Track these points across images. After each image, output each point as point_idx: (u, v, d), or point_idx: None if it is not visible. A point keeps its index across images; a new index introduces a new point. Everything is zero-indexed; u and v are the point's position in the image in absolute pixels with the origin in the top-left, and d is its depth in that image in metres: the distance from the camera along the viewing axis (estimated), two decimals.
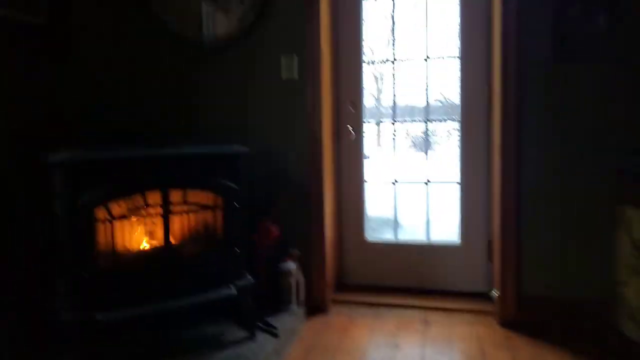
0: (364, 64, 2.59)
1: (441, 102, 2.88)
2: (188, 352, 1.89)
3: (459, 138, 2.54)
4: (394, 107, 2.62)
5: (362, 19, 2.55)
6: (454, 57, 2.50)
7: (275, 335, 2.02)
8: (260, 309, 2.12)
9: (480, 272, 2.55)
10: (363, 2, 2.55)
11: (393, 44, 2.58)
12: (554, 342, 2.07)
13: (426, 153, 2.68)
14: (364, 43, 2.59)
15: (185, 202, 1.93)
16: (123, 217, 1.83)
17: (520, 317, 2.23)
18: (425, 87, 2.57)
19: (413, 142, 2.96)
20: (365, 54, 2.60)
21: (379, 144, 2.67)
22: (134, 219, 1.91)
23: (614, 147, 2.09)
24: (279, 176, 2.40)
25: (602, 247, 2.12)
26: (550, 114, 2.16)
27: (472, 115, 2.49)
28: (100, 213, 1.75)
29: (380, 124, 2.73)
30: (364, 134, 2.64)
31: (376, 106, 2.70)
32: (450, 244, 2.61)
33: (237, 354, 1.87)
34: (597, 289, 2.14)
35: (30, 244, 2.05)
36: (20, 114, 2.04)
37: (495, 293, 2.32)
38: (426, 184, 2.64)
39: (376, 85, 2.75)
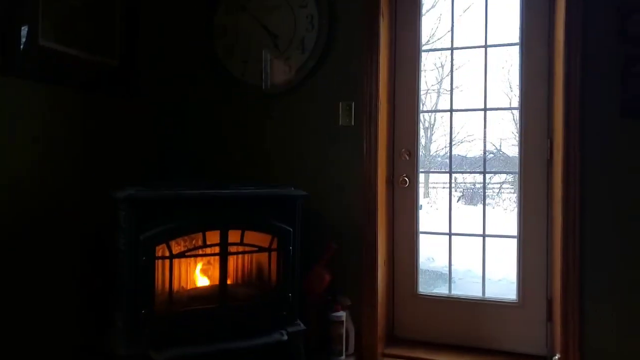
0: (421, 113, 2.60)
1: (493, 153, 2.84)
2: None
3: (517, 191, 2.48)
4: (450, 157, 2.61)
5: (421, 68, 2.60)
6: (510, 108, 2.49)
7: None
8: (309, 357, 2.07)
9: (539, 332, 2.41)
10: (422, 52, 2.60)
11: (451, 94, 2.60)
12: None
13: (484, 205, 2.62)
14: (421, 93, 2.62)
15: (242, 243, 1.95)
16: (182, 255, 1.87)
17: None
18: (482, 137, 2.55)
19: (462, 194, 2.90)
20: (422, 105, 2.63)
21: (427, 195, 2.63)
22: (192, 257, 1.95)
23: None
24: (334, 222, 2.40)
25: None
26: (618, 169, 2.08)
27: (531, 167, 2.43)
28: (161, 250, 1.80)
29: (429, 174, 2.70)
30: (419, 183, 2.62)
31: (424, 155, 2.68)
32: (507, 301, 2.49)
33: None
34: None
35: (97, 279, 2.12)
36: (92, 152, 2.17)
37: (556, 357, 2.17)
38: (482, 237, 2.57)
39: (426, 135, 2.75)
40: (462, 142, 2.65)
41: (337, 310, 2.23)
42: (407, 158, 2.61)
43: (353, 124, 2.40)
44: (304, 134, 2.48)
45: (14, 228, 1.82)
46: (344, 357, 2.24)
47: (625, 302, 2.05)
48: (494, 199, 2.60)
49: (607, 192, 2.08)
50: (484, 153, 2.57)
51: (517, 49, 2.43)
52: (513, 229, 2.50)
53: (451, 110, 2.61)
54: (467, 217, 2.69)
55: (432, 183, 2.74)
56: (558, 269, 2.17)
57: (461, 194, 2.84)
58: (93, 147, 2.17)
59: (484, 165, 2.56)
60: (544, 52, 2.38)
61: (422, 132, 2.65)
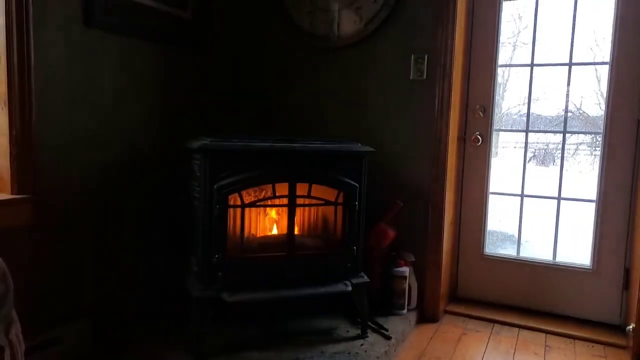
0: (499, 67, 2.46)
1: (572, 112, 2.65)
2: (301, 341, 1.95)
3: (600, 152, 2.31)
4: (527, 115, 2.46)
5: (501, 20, 2.43)
6: (597, 63, 2.28)
7: (387, 337, 2.01)
8: (372, 309, 2.12)
9: (613, 300, 2.31)
10: (503, 2, 2.42)
11: (533, 46, 2.42)
12: None
13: (561, 167, 2.46)
14: (499, 45, 2.46)
15: (309, 196, 1.98)
16: (253, 204, 1.94)
17: None
18: (565, 95, 2.37)
19: (534, 154, 2.75)
20: (499, 57, 2.47)
21: (497, 154, 2.51)
22: (262, 207, 2.01)
23: None
24: (400, 179, 2.38)
25: None
26: None
27: (618, 127, 2.25)
28: (233, 199, 1.87)
29: (501, 132, 2.58)
30: (492, 142, 2.51)
31: (497, 113, 2.55)
32: (579, 267, 2.39)
33: (348, 350, 1.90)
34: None
35: (169, 223, 2.26)
36: (169, 103, 2.25)
37: (630, 327, 2.08)
38: (557, 199, 2.45)
39: (498, 91, 2.60)
40: (537, 100, 2.49)
41: (401, 266, 2.25)
42: (481, 115, 2.49)
43: (425, 77, 2.31)
44: (373, 87, 2.42)
45: (97, 174, 1.96)
46: (405, 310, 2.27)
47: None
48: (567, 160, 2.43)
49: None
50: (565, 112, 2.40)
51: None
52: (588, 192, 2.36)
53: (532, 65, 2.44)
54: (538, 178, 2.56)
55: (502, 142, 2.61)
56: None
57: (532, 154, 2.70)
58: (171, 98, 2.25)
59: (564, 124, 2.40)
60: None
61: (501, 88, 2.51)
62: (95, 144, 1.92)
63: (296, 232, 2.02)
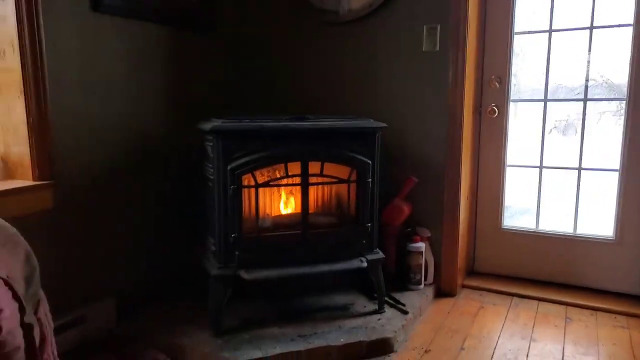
0: (515, 35, 2.39)
1: (595, 80, 2.56)
2: (318, 317, 1.98)
3: (623, 120, 2.24)
4: (546, 84, 2.39)
5: None
6: (621, 25, 2.19)
7: (403, 311, 2.03)
8: (388, 285, 2.13)
9: (636, 271, 2.26)
10: None
11: (551, 10, 2.33)
12: None
13: (582, 137, 2.40)
14: (516, 11, 2.38)
15: (322, 174, 1.98)
16: (266, 184, 1.95)
17: None
18: (586, 62, 2.29)
19: (555, 125, 2.68)
20: (515, 24, 2.39)
21: (515, 126, 2.46)
22: (276, 187, 2.03)
23: None
24: (414, 154, 2.35)
25: None
26: None
27: None
28: (247, 179, 1.88)
29: (519, 103, 2.51)
30: (509, 113, 2.45)
31: (514, 84, 2.48)
32: (601, 238, 2.35)
33: (365, 324, 1.92)
34: None
35: (184, 204, 2.30)
36: (180, 86, 2.27)
37: None
38: (578, 170, 2.39)
39: (515, 61, 2.52)
40: (557, 68, 2.40)
41: (416, 242, 2.25)
42: (497, 86, 2.43)
43: (438, 49, 2.25)
44: (384, 61, 2.37)
45: (113, 159, 2.00)
46: (422, 286, 2.28)
47: None
48: (590, 130, 2.36)
49: None
50: (587, 80, 2.32)
51: None
52: (611, 162, 2.29)
53: (550, 31, 2.35)
54: (559, 149, 2.49)
55: (520, 113, 2.54)
56: None
57: (553, 125, 2.62)
58: (182, 81, 2.27)
59: (585, 92, 2.32)
60: None
61: (519, 57, 2.44)
62: (110, 129, 1.96)
63: (310, 210, 2.04)
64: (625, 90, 2.24)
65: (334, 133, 1.96)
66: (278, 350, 1.73)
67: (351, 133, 1.98)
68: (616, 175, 2.29)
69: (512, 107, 2.47)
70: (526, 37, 2.41)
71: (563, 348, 1.90)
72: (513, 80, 2.44)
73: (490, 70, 2.44)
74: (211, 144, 1.86)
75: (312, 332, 1.86)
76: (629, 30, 2.18)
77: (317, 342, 1.78)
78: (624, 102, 2.23)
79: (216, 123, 1.82)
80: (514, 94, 2.46)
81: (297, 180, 1.94)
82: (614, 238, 2.31)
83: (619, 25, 2.21)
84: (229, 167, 1.82)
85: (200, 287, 2.04)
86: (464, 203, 2.38)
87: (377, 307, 2.04)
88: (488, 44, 2.43)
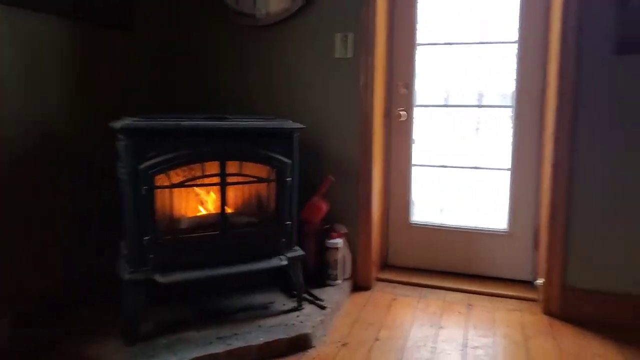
0: (420, 46, 2.58)
1: (496, 87, 2.84)
2: (239, 317, 1.97)
3: (511, 124, 2.51)
4: (448, 90, 2.61)
5: (417, 1, 2.54)
6: (507, 42, 2.46)
7: (322, 307, 2.08)
8: (308, 282, 2.18)
9: (526, 259, 2.53)
10: None
11: (449, 27, 2.56)
12: (598, 334, 2.04)
13: (479, 139, 2.65)
14: (418, 25, 2.58)
15: (241, 174, 1.99)
16: (181, 185, 1.91)
17: (565, 307, 2.20)
18: (481, 71, 2.54)
19: (462, 128, 2.91)
20: (418, 37, 2.59)
21: (427, 128, 2.66)
22: (192, 187, 1.99)
23: None
24: (331, 155, 2.44)
25: None
26: (607, 104, 2.09)
27: (526, 101, 2.45)
28: (161, 180, 1.83)
29: (434, 107, 2.71)
30: (414, 117, 2.64)
31: (432, 88, 2.69)
32: (497, 231, 2.60)
33: (285, 322, 1.95)
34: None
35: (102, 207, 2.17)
36: (93, 84, 2.15)
37: (539, 282, 2.30)
38: (476, 169, 2.63)
39: (422, 68, 2.73)
40: (456, 77, 2.64)
41: (334, 238, 2.33)
42: (404, 91, 2.60)
43: (350, 56, 2.37)
44: (301, 66, 2.45)
45: (16, 162, 1.84)
46: (339, 281, 2.36)
47: (607, 234, 2.14)
48: (486, 133, 2.62)
49: (598, 128, 2.11)
50: (481, 88, 2.57)
51: None
52: (506, 162, 2.55)
53: (449, 44, 2.58)
54: (463, 150, 2.72)
55: (427, 117, 2.74)
56: (546, 201, 2.25)
57: (455, 128, 2.84)
58: (95, 78, 2.15)
59: (480, 99, 2.58)
60: None
61: (423, 66, 2.63)
62: (10, 129, 1.80)
63: (230, 210, 2.03)
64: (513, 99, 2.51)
65: (253, 133, 1.98)
66: (195, 354, 1.69)
67: (270, 133, 2.01)
68: (508, 174, 2.55)
69: (420, 111, 2.66)
70: (429, 48, 2.62)
71: (466, 332, 2.07)
72: (419, 87, 2.63)
73: (398, 77, 2.61)
74: (123, 142, 1.78)
75: (231, 333, 1.85)
76: (515, 46, 2.46)
77: (236, 344, 1.77)
78: (512, 109, 2.50)
79: (127, 121, 1.75)
80: (420, 99, 2.65)
81: (215, 180, 1.93)
82: (507, 230, 2.57)
83: (506, 42, 2.48)
84: (141, 167, 1.76)
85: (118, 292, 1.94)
86: (377, 200, 2.51)
87: (296, 305, 2.07)
88: (396, 53, 2.60)
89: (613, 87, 2.07)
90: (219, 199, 1.94)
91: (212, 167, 1.92)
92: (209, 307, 2.05)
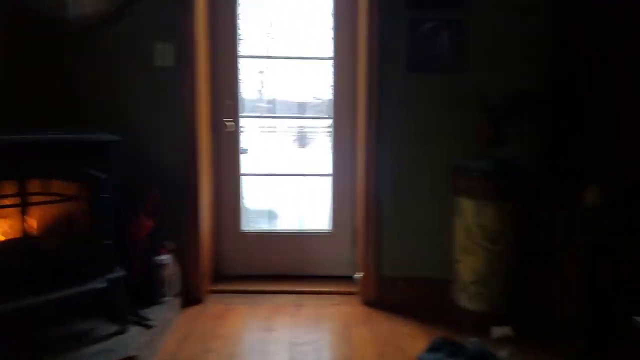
0: (242, 58, 2.66)
1: (317, 99, 3.06)
2: (55, 349, 1.80)
3: (330, 133, 2.74)
4: (274, 102, 2.75)
5: (238, 13, 2.63)
6: (326, 58, 2.69)
7: (148, 326, 2.01)
8: (136, 302, 2.09)
9: (347, 256, 2.79)
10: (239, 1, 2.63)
11: (272, 42, 2.69)
12: (407, 316, 2.36)
13: (306, 148, 2.84)
14: (242, 38, 2.65)
15: (45, 193, 1.81)
16: None
17: (380, 296, 2.49)
18: (301, 84, 2.73)
19: (289, 137, 3.09)
20: (241, 50, 2.66)
21: (257, 138, 2.75)
22: None
23: (452, 148, 2.41)
24: (154, 168, 2.35)
25: (444, 232, 2.41)
26: (403, 116, 2.42)
27: (342, 113, 2.70)
28: None
29: (261, 118, 2.82)
30: (241, 128, 2.71)
31: (258, 100, 2.79)
32: (321, 232, 2.81)
33: (106, 349, 1.83)
34: (441, 268, 2.43)
35: None
36: None
37: (358, 275, 2.56)
38: (302, 176, 2.81)
39: (259, 79, 2.83)
40: (282, 89, 2.80)
41: (160, 254, 2.26)
42: (230, 102, 2.65)
43: (171, 64, 2.32)
44: (122, 74, 2.32)
45: None
46: (170, 297, 2.30)
47: (412, 227, 2.49)
48: (315, 141, 2.84)
49: (396, 134, 2.44)
50: (303, 99, 2.76)
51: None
52: (328, 168, 2.78)
53: (271, 57, 2.72)
54: (295, 157, 2.88)
55: (259, 127, 2.84)
56: (361, 202, 2.52)
57: (290, 137, 3.00)
58: None
59: (304, 110, 2.77)
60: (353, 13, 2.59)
61: (248, 78, 2.71)
62: None
63: (37, 233, 1.84)
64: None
65: (61, 147, 1.82)
66: None
67: (81, 147, 1.87)
68: (330, 179, 2.78)
69: (248, 122, 2.74)
70: (253, 60, 2.72)
71: (294, 331, 2.20)
72: (245, 98, 2.70)
73: (222, 88, 2.65)
74: None
75: None
76: (331, 62, 2.69)
77: None
78: (331, 120, 2.74)
79: None
80: (247, 110, 2.73)
81: (14, 200, 1.72)
82: (330, 231, 2.80)
83: (324, 58, 2.71)
84: None
85: None
86: (206, 211, 2.51)
87: (120, 328, 1.96)
88: (219, 64, 2.64)
89: (408, 100, 2.41)
90: (22, 222, 1.74)
91: (12, 186, 1.72)
92: (27, 340, 1.82)
